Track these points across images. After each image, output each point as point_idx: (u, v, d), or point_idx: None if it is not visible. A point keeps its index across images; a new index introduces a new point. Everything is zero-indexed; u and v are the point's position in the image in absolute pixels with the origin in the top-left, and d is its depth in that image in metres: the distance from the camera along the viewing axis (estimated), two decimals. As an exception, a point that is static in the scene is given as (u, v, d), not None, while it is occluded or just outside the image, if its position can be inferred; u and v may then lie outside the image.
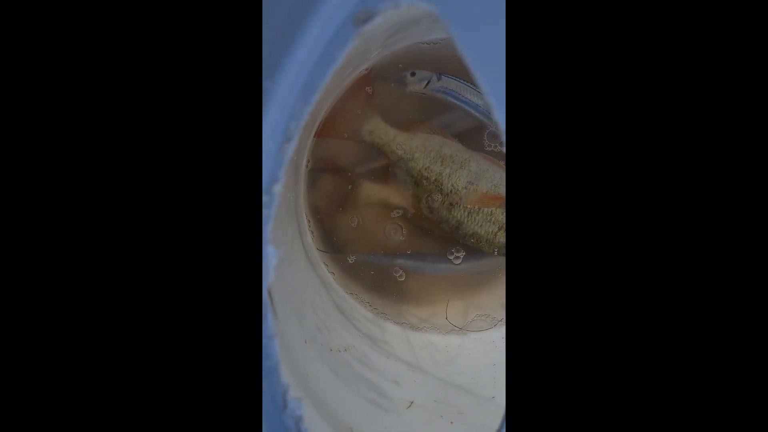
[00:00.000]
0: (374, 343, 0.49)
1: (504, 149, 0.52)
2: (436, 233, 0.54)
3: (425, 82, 0.52)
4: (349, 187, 0.54)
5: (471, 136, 0.53)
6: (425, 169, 0.51)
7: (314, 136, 0.53)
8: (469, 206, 0.50)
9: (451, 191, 0.50)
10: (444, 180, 0.50)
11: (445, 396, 0.45)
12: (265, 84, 0.25)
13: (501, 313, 0.55)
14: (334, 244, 0.55)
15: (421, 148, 0.51)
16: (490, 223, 0.51)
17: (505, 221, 0.50)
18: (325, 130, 0.53)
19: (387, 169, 0.53)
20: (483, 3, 0.23)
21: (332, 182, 0.55)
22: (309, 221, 0.55)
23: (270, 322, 0.26)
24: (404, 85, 0.53)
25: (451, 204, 0.51)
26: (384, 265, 0.54)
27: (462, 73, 0.53)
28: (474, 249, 0.53)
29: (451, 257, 0.54)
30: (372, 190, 0.55)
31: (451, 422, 0.42)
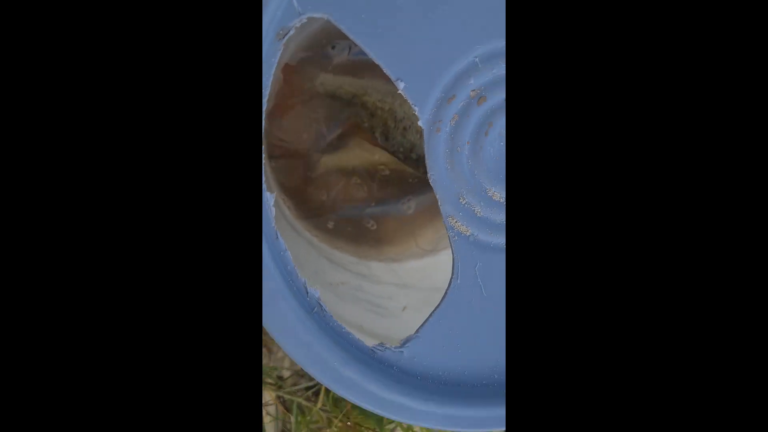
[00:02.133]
0: (364, 277, 0.58)
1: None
2: (394, 180, 0.61)
3: (347, 50, 0.57)
4: (309, 171, 0.60)
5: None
6: (379, 101, 0.55)
7: (267, 117, 0.56)
8: None
9: (404, 117, 0.54)
10: (396, 108, 0.54)
11: (433, 298, 0.54)
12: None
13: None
14: (309, 213, 0.62)
15: (371, 87, 0.55)
16: None
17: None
18: (278, 108, 0.57)
19: (343, 137, 0.59)
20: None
21: (293, 164, 0.61)
22: (284, 199, 0.63)
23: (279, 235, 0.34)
24: (330, 59, 0.57)
25: (405, 128, 0.54)
26: (356, 218, 0.62)
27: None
28: (418, 188, 0.59)
29: (403, 206, 0.61)
30: (331, 161, 0.60)
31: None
